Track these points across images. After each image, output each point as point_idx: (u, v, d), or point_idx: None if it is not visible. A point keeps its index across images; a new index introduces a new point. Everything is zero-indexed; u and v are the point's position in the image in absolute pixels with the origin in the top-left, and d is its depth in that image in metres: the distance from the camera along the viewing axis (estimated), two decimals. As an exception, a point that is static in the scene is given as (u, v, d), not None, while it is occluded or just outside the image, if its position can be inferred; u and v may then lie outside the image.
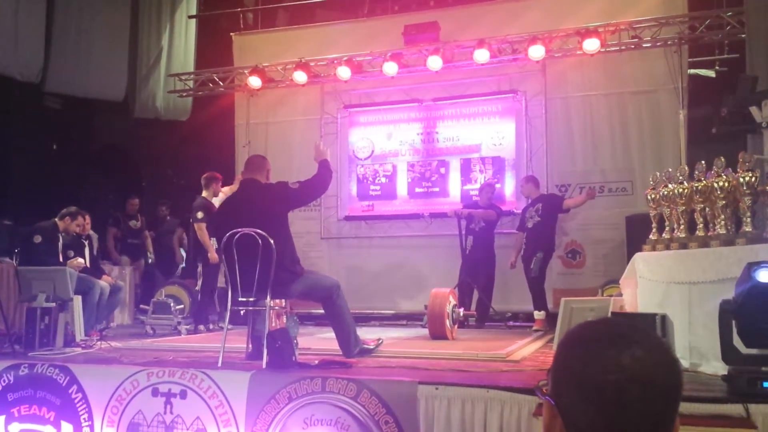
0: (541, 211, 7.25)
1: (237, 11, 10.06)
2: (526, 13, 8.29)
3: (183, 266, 9.23)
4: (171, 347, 5.42)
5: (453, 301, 6.15)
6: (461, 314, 6.31)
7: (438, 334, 5.92)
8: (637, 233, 5.87)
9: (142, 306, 8.11)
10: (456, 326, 6.22)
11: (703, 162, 4.27)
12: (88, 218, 7.22)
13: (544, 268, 7.23)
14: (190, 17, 10.41)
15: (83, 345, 5.47)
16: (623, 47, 7.79)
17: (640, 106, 7.94)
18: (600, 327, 1.11)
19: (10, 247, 7.15)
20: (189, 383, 3.95)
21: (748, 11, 6.71)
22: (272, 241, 4.28)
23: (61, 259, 6.65)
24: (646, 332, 1.08)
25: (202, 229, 6.93)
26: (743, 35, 7.00)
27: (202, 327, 6.98)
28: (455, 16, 8.65)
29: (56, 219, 6.73)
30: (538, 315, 6.88)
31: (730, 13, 7.31)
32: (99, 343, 5.58)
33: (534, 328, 6.78)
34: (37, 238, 6.51)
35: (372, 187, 8.96)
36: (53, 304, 5.22)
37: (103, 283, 6.80)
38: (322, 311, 4.97)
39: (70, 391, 4.21)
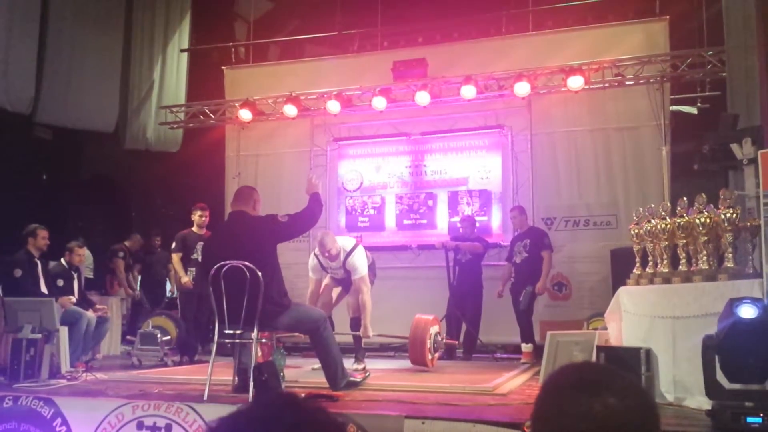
0: (529, 248, 7.31)
1: (229, 45, 10.20)
2: (511, 51, 8.48)
3: (169, 296, 9.24)
4: (157, 379, 5.37)
5: (436, 329, 6.14)
6: (443, 343, 6.30)
7: (418, 361, 5.94)
8: (621, 267, 5.93)
9: (128, 337, 8.07)
10: (437, 354, 6.21)
11: (685, 198, 4.35)
12: (83, 250, 7.22)
13: (532, 302, 7.27)
14: (182, 50, 10.52)
15: (68, 377, 5.43)
16: (607, 84, 7.96)
17: (623, 142, 8.09)
18: (575, 374, 1.12)
19: (-3, 277, 7.10)
20: (174, 417, 3.93)
21: (729, 51, 6.88)
22: (260, 274, 4.30)
23: (45, 290, 6.60)
24: (621, 377, 1.08)
25: (173, 258, 7.44)
26: (724, 74, 7.18)
27: (186, 358, 6.99)
28: (443, 53, 8.81)
29: (27, 246, 6.66)
30: (526, 347, 6.91)
31: (711, 52, 7.49)
32: (84, 374, 5.54)
33: (522, 360, 6.80)
34: (17, 272, 6.45)
35: (360, 218, 9.01)
36: (39, 336, 5.19)
37: (90, 314, 6.76)
38: (309, 342, 4.97)
39: (54, 423, 4.16)
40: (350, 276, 6.03)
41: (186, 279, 7.26)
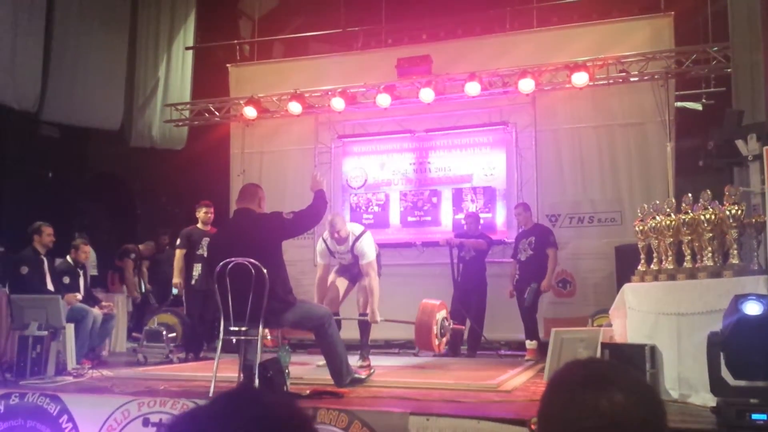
0: (534, 245, 7.30)
1: (233, 43, 10.20)
2: (516, 48, 8.46)
3: (175, 293, 9.27)
4: (162, 376, 5.41)
5: (443, 314, 6.14)
6: (450, 328, 6.29)
7: (425, 346, 5.94)
8: (626, 263, 5.92)
9: (134, 334, 8.10)
10: (445, 339, 6.20)
11: (689, 194, 4.34)
12: (88, 247, 7.24)
13: (537, 299, 7.26)
14: (187, 48, 10.53)
15: (75, 374, 5.46)
16: (611, 81, 7.93)
17: (628, 138, 8.06)
18: (581, 370, 1.12)
19: (3, 275, 7.14)
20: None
21: (734, 46, 6.85)
22: (265, 271, 4.31)
23: (52, 287, 6.63)
24: (626, 373, 1.09)
25: (176, 255, 7.38)
26: (729, 70, 7.15)
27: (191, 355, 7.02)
28: (447, 50, 8.81)
29: (33, 244, 6.70)
30: (530, 344, 6.91)
31: (716, 48, 7.46)
32: (90, 371, 5.57)
33: (526, 357, 6.81)
34: (24, 269, 6.49)
35: (365, 215, 9.01)
36: (45, 333, 5.23)
37: (96, 311, 6.79)
38: (314, 339, 4.98)
39: (60, 420, 4.20)
40: (357, 262, 6.02)
41: (177, 280, 7.20)
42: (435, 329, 5.95)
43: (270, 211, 4.82)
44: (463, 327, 7.16)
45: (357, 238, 5.97)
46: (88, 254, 7.31)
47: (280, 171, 9.40)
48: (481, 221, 8.03)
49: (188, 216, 7.90)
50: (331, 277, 6.31)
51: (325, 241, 6.11)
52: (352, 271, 6.24)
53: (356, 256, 5.98)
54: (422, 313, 5.99)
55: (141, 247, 9.20)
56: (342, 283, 6.31)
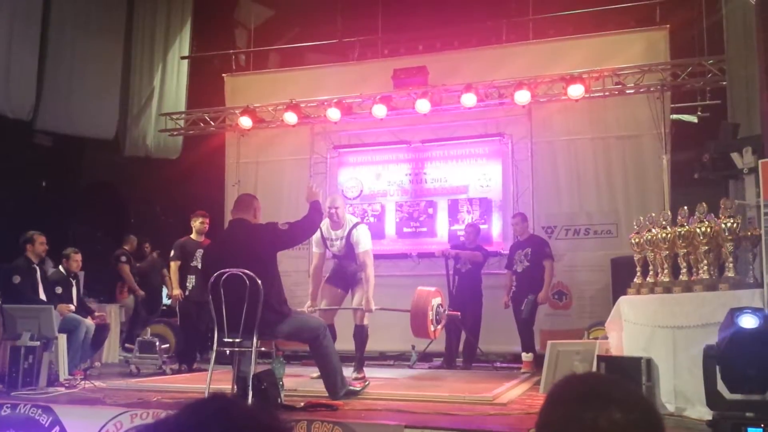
0: (530, 257, 7.29)
1: (229, 53, 10.22)
2: (512, 59, 8.48)
3: (166, 303, 9.22)
4: (155, 387, 5.36)
5: (438, 300, 6.12)
6: (445, 314, 6.25)
7: (420, 333, 5.92)
8: (622, 275, 5.93)
9: (127, 345, 8.05)
10: (440, 327, 6.17)
11: (685, 207, 4.35)
12: (78, 255, 7.19)
13: (534, 311, 7.24)
14: (183, 58, 10.53)
15: (67, 385, 5.41)
16: (607, 93, 7.96)
17: (624, 151, 8.09)
18: (579, 386, 1.11)
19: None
20: (173, 425, 3.91)
21: (729, 59, 6.90)
22: (260, 282, 4.29)
23: (44, 297, 6.58)
24: (625, 389, 1.07)
25: (171, 267, 7.34)
26: (724, 82, 7.19)
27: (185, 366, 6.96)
28: (443, 61, 8.82)
29: (26, 253, 6.64)
30: (526, 357, 6.88)
31: (711, 61, 7.50)
32: (83, 382, 5.52)
33: (522, 370, 6.78)
34: (16, 279, 6.42)
35: (360, 226, 8.98)
36: (37, 343, 5.19)
37: (89, 321, 6.74)
38: (308, 350, 4.95)
39: (52, 432, 4.16)
40: (351, 253, 5.95)
41: (177, 292, 7.13)
42: (430, 315, 5.91)
43: (265, 222, 4.80)
44: (458, 313, 7.07)
45: (354, 225, 5.96)
46: (80, 263, 7.25)
47: (275, 181, 9.39)
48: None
49: (183, 226, 7.87)
50: (323, 285, 6.26)
51: (320, 228, 6.04)
52: (346, 272, 6.18)
53: (351, 245, 5.93)
54: (417, 299, 5.96)
55: (126, 247, 9.18)
56: (336, 293, 6.25)
